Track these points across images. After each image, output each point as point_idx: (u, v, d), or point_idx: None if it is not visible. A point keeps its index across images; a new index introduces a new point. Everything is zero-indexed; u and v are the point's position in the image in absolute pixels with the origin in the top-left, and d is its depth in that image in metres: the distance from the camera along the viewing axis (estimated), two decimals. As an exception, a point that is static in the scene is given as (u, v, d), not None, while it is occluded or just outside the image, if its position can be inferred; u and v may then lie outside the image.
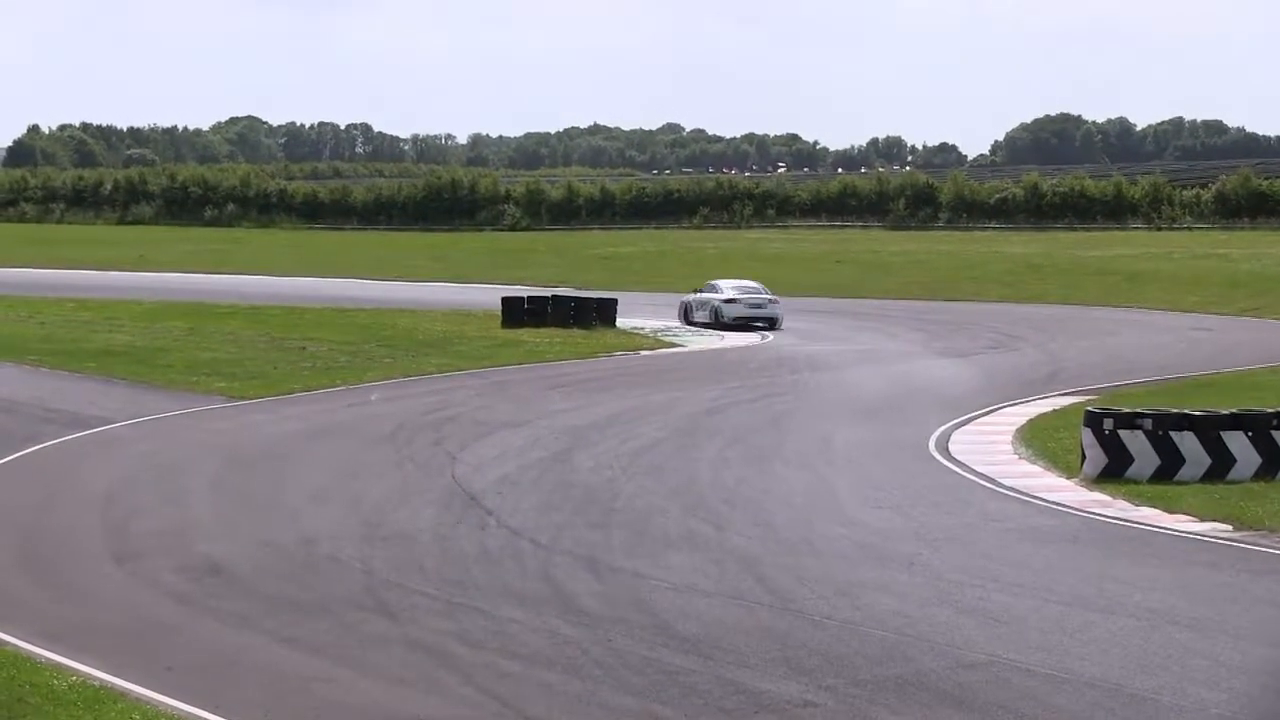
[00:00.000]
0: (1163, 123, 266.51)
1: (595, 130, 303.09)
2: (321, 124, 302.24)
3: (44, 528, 25.25)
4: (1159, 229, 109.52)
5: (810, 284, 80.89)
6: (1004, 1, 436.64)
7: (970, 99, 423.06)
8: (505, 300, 59.85)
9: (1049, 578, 21.36)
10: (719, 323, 61.39)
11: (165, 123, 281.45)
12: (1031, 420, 35.90)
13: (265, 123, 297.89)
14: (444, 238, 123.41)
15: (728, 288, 64.11)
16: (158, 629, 19.43)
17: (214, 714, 15.96)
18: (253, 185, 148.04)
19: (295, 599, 20.70)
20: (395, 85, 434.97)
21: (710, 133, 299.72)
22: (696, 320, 62.83)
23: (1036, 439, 33.08)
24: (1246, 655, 17.70)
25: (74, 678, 17.06)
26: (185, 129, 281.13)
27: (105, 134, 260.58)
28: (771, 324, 61.44)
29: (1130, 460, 28.33)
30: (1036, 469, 30.06)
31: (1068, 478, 28.90)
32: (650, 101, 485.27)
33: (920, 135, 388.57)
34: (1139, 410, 29.63)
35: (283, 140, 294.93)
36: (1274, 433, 28.32)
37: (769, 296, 63.19)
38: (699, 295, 64.32)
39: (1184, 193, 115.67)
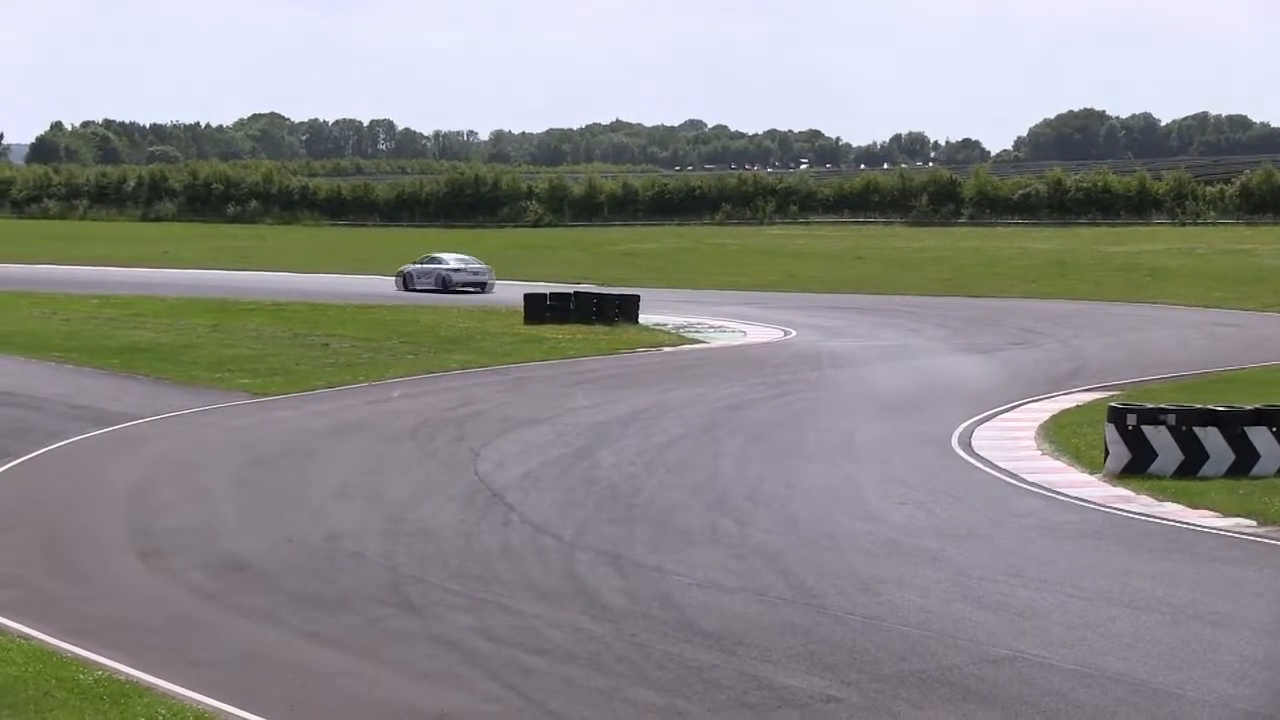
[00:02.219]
0: (1187, 118, 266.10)
1: (617, 127, 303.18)
2: (344, 120, 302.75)
3: (69, 524, 25.33)
4: (1183, 224, 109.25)
5: (833, 280, 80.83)
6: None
7: (993, 95, 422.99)
8: (527, 297, 59.81)
9: (1072, 573, 21.35)
10: (445, 288, 75.03)
11: (188, 119, 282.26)
12: (1055, 416, 35.86)
13: (287, 119, 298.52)
14: (466, 234, 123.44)
15: (451, 259, 79.05)
16: (183, 625, 19.49)
17: (239, 709, 16.01)
18: (275, 182, 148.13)
19: (319, 595, 20.75)
20: (417, 82, 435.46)
21: (733, 129, 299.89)
22: (418, 287, 75.73)
23: (1060, 435, 33.04)
24: (1271, 650, 17.69)
25: (100, 672, 17.12)
26: (208, 126, 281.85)
27: (128, 131, 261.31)
28: (482, 288, 75.77)
29: (1154, 456, 28.30)
30: (1060, 465, 30.04)
31: (1091, 473, 28.88)
32: (672, 98, 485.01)
33: (943, 131, 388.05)
34: (1162, 406, 29.58)
35: (305, 137, 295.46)
36: (1298, 428, 28.27)
37: (485, 266, 77.96)
38: (421, 266, 78.09)
39: (1208, 188, 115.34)
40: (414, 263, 78.90)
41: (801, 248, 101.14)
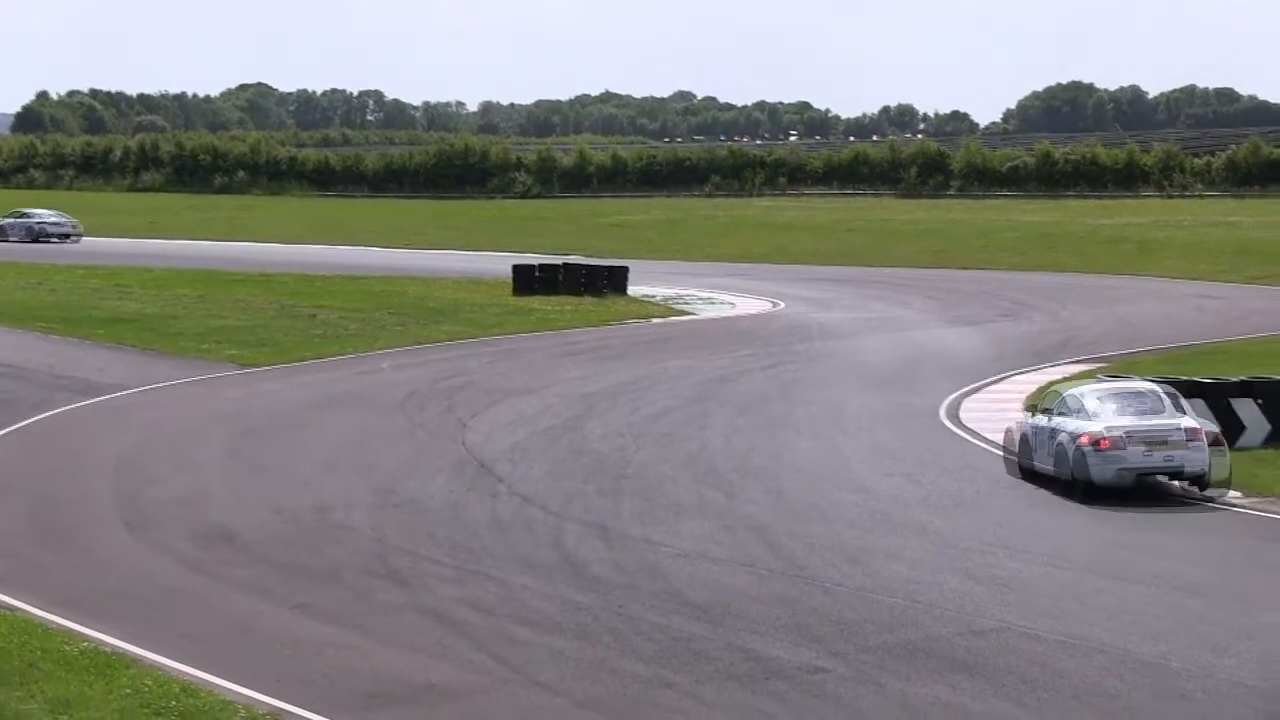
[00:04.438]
0: (1175, 90, 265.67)
1: (607, 98, 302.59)
2: (333, 91, 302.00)
3: (56, 495, 25.33)
4: (1170, 197, 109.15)
5: (822, 252, 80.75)
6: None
7: (982, 67, 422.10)
8: (516, 268, 59.73)
9: (1058, 545, 21.41)
10: (36, 239, 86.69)
11: (174, 89, 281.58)
12: (1042, 388, 35.81)
13: (275, 90, 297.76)
14: (455, 205, 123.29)
15: (41, 213, 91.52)
16: (170, 596, 19.51)
17: (226, 680, 16.03)
18: (263, 152, 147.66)
19: (307, 566, 20.78)
20: (406, 53, 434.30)
21: (722, 100, 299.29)
22: (10, 239, 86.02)
23: (1047, 407, 33.02)
24: (1254, 621, 17.76)
25: (86, 644, 17.15)
26: (195, 96, 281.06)
27: (114, 100, 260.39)
28: (68, 238, 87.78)
29: (1141, 428, 28.25)
30: (1047, 437, 29.99)
31: (1078, 445, 28.83)
32: (662, 69, 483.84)
33: (932, 103, 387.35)
34: (1149, 378, 29.58)
35: (293, 107, 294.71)
36: (1284, 400, 28.31)
37: (72, 220, 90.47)
38: (11, 220, 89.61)
39: (1196, 161, 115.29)
40: (3, 217, 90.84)
41: (791, 219, 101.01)
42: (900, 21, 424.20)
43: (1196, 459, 24.57)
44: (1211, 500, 24.65)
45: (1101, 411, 25.33)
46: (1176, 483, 24.95)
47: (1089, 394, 26.03)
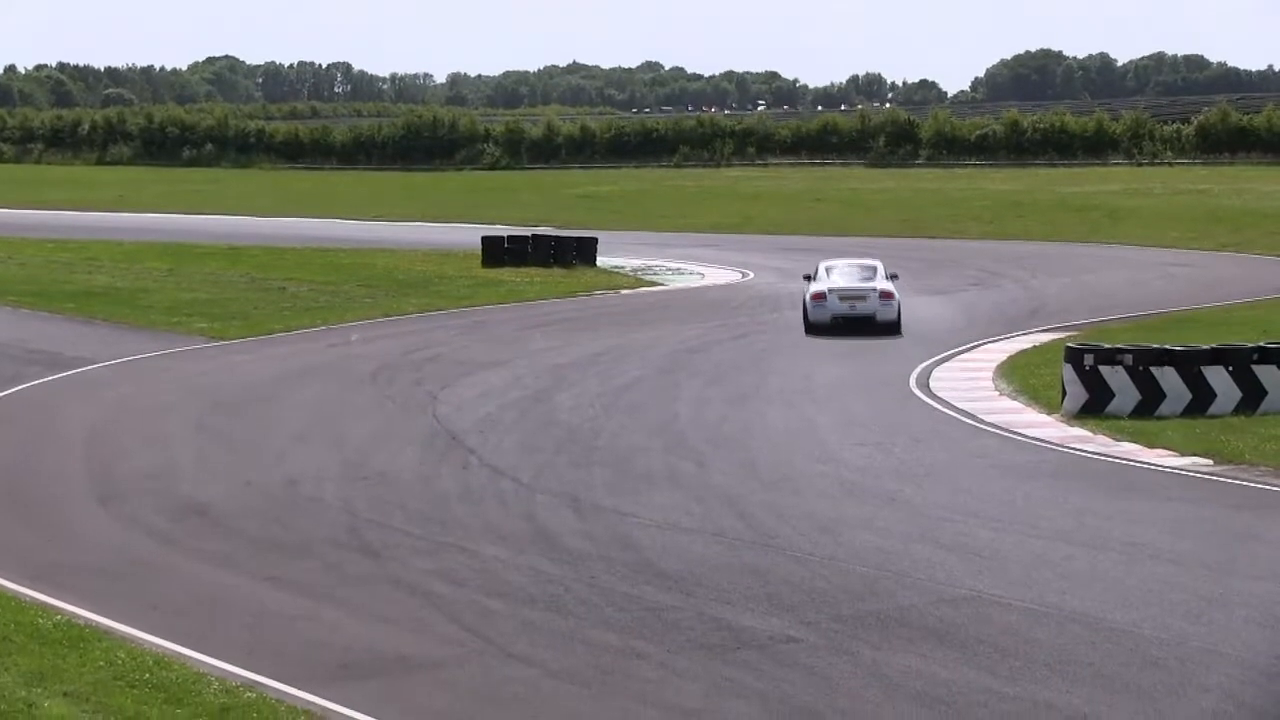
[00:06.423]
0: (1144, 58, 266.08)
1: (574, 69, 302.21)
2: (300, 64, 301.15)
3: (28, 469, 25.27)
4: (1140, 165, 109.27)
5: (791, 222, 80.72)
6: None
7: (950, 35, 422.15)
8: (485, 240, 59.70)
9: (1030, 513, 21.44)
10: None
11: (142, 62, 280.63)
12: (1012, 357, 35.96)
13: (243, 62, 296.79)
14: (424, 177, 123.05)
15: None
16: (142, 569, 19.48)
17: (198, 653, 16.03)
18: (231, 126, 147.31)
19: (278, 539, 20.76)
20: (374, 24, 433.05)
21: (690, 71, 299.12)
22: None
23: (1017, 375, 33.14)
24: (1226, 588, 17.80)
25: (59, 617, 17.13)
26: (163, 69, 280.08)
27: (82, 74, 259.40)
28: None
29: (1111, 396, 28.40)
30: (1017, 405, 30.13)
31: (1049, 414, 28.97)
32: (629, 39, 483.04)
33: (900, 72, 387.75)
34: (1120, 346, 29.69)
35: (260, 80, 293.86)
36: (1254, 367, 28.39)
37: None
38: None
39: (1165, 128, 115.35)
40: None
41: (759, 189, 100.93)
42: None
43: (885, 311, 39.66)
44: (898, 333, 38.41)
45: (827, 278, 40.30)
46: (879, 320, 39.28)
47: (827, 267, 40.90)
